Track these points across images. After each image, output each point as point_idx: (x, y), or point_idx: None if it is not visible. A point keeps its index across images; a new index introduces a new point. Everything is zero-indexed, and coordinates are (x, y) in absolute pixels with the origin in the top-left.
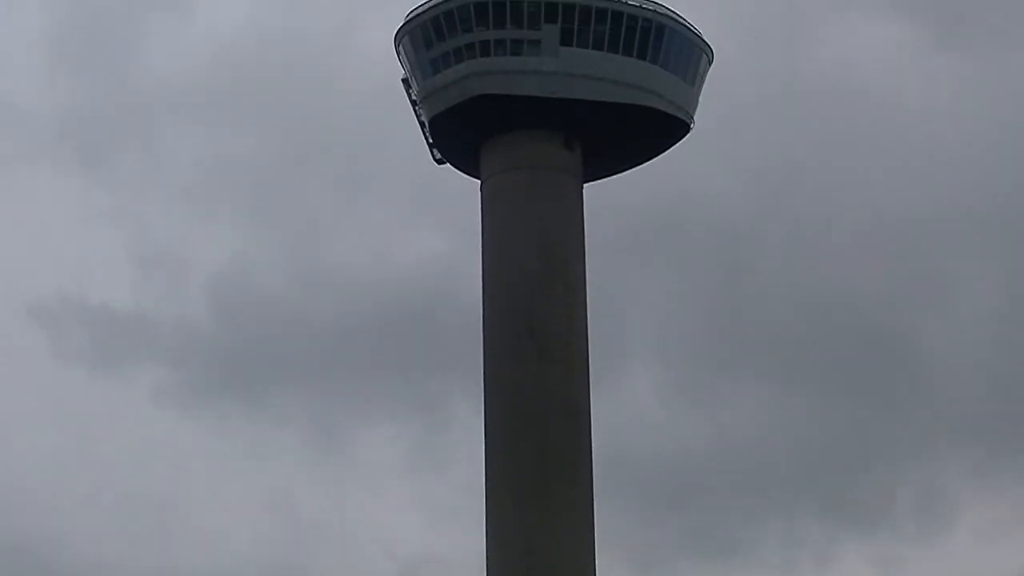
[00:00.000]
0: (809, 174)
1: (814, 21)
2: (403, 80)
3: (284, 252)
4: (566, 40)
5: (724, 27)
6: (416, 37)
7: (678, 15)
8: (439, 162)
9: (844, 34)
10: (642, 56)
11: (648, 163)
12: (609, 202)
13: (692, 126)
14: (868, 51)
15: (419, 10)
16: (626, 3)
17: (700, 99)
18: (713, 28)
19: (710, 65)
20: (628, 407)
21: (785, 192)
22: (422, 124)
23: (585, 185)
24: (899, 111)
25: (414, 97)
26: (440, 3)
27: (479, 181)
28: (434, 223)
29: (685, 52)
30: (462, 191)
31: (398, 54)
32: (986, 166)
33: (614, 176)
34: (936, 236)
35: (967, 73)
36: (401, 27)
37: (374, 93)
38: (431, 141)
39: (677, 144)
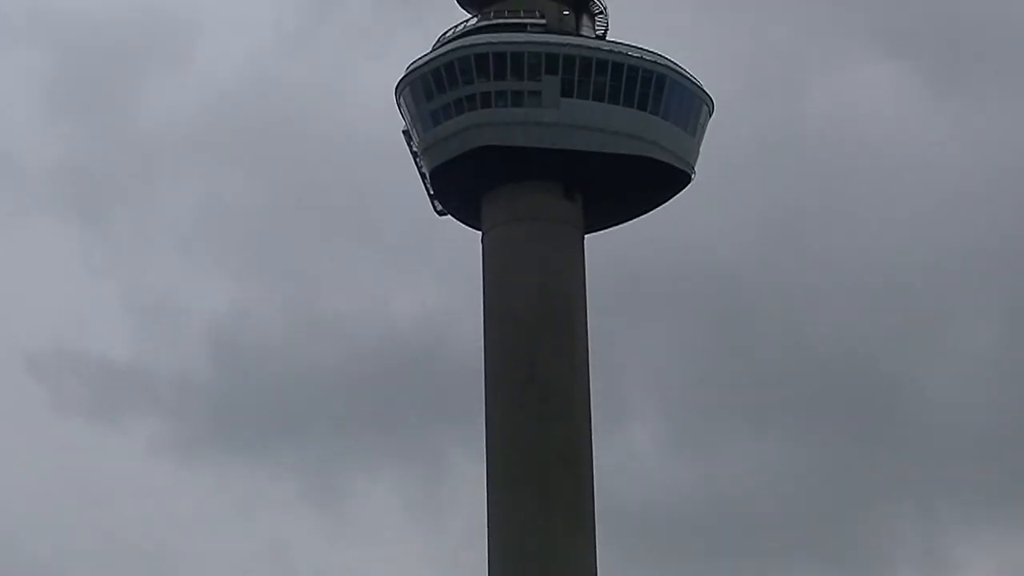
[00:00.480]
0: (808, 223)
1: (812, 68)
2: (404, 132)
3: (282, 302)
4: (567, 91)
5: (722, 75)
6: (417, 89)
7: (678, 66)
8: (440, 214)
9: (842, 80)
10: (642, 107)
11: (649, 213)
12: (609, 251)
13: (693, 176)
14: (866, 97)
15: (420, 62)
16: (626, 54)
17: (700, 149)
18: (711, 76)
19: (710, 115)
20: (630, 455)
21: (784, 241)
22: (423, 176)
23: (586, 236)
24: (897, 157)
25: (415, 149)
26: (441, 55)
27: (480, 232)
28: (434, 274)
29: (685, 103)
30: (463, 242)
31: (399, 106)
32: (983, 211)
33: (615, 227)
34: (934, 283)
35: (965, 118)
36: (402, 79)
37: (374, 143)
38: (432, 193)
39: (678, 195)
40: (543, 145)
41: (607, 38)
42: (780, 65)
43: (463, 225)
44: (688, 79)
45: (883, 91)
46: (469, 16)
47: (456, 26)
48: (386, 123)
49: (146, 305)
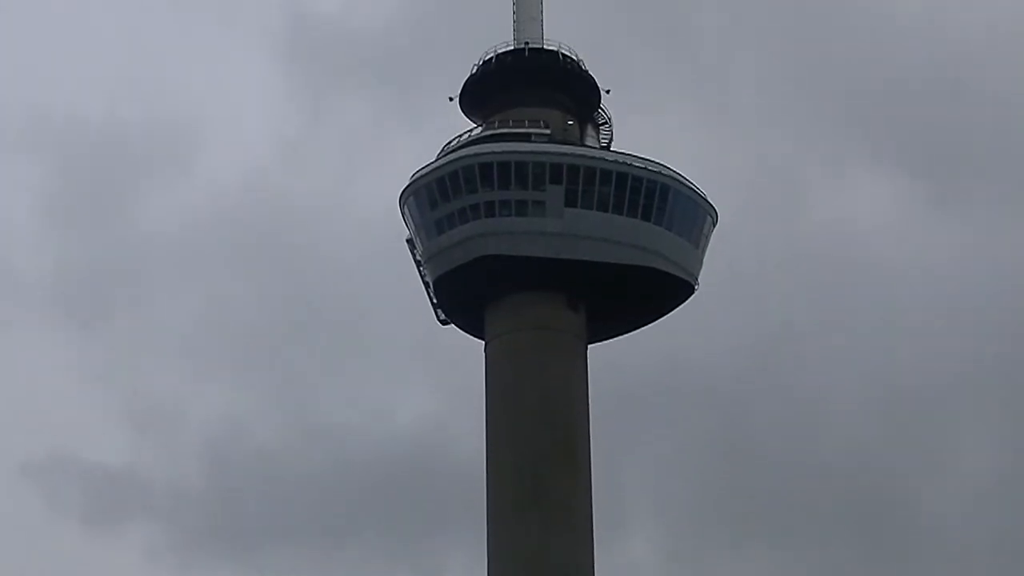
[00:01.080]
0: (808, 336)
1: (813, 180)
2: (407, 240)
3: (280, 409)
4: (571, 201)
5: (724, 185)
6: (421, 197)
7: (682, 176)
8: (443, 323)
9: (842, 192)
10: (646, 218)
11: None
12: (610, 360)
13: (697, 288)
14: (866, 209)
15: (424, 171)
16: (630, 164)
17: (704, 259)
18: (714, 186)
19: (714, 226)
20: (630, 568)
21: (784, 354)
22: (426, 284)
23: (589, 345)
24: (897, 269)
25: (419, 257)
26: (445, 164)
27: (483, 342)
28: (436, 383)
29: (689, 213)
30: (466, 351)
31: (403, 214)
32: (984, 324)
33: (619, 337)
34: (935, 395)
35: (966, 234)
36: (406, 187)
37: (375, 251)
38: (435, 301)
39: (684, 305)
40: (547, 255)
41: (611, 148)
42: (781, 177)
43: (466, 334)
44: (692, 189)
45: (884, 203)
46: (473, 125)
47: (460, 135)
48: (388, 231)
49: (143, 412)
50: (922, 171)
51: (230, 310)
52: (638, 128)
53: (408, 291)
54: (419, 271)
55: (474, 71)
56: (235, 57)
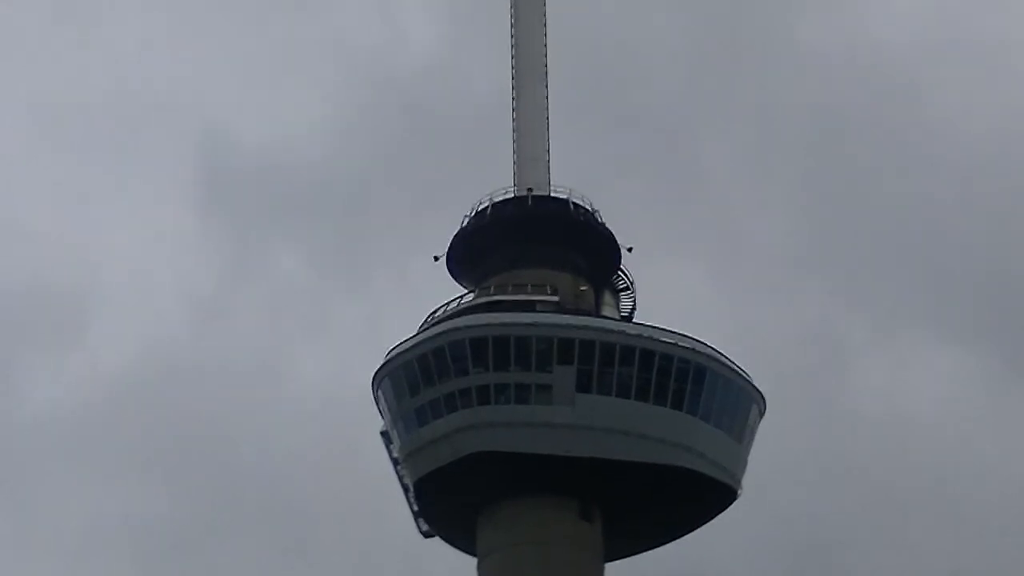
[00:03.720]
0: (857, 541)
1: (857, 346)
2: (382, 433)
3: None
4: (584, 385)
5: (754, 356)
6: (399, 380)
7: (721, 354)
8: (426, 535)
9: (891, 361)
10: (678, 406)
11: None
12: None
13: (739, 492)
14: (920, 382)
15: (403, 347)
16: (658, 340)
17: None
18: (743, 357)
19: (761, 416)
20: None
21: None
22: (405, 488)
23: (607, 564)
24: (952, 459)
25: (395, 455)
26: (428, 339)
27: (475, 559)
28: None
29: (731, 401)
30: (454, 571)
31: (376, 401)
32: None
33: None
34: None
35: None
36: (380, 368)
37: (319, 438)
38: (416, 509)
39: (721, 514)
40: (554, 452)
41: (634, 320)
42: (820, 342)
43: (454, 549)
44: (734, 371)
45: (940, 374)
46: (464, 291)
47: (447, 303)
48: (329, 414)
49: None
50: (986, 335)
51: (133, 510)
52: (664, 295)
53: (381, 496)
54: (396, 471)
55: (464, 224)
56: (138, 200)
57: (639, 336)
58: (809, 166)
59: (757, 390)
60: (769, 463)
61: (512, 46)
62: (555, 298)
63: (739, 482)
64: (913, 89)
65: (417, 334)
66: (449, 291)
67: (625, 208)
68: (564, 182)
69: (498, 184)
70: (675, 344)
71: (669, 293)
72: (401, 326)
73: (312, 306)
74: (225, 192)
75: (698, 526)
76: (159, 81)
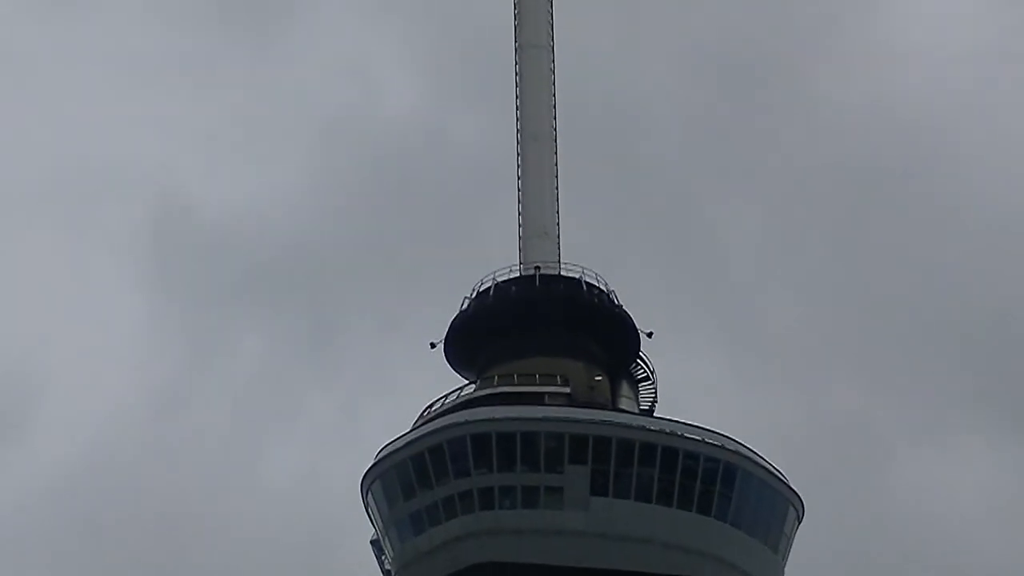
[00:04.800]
0: None
1: (895, 444)
2: (372, 542)
3: None
4: (599, 488)
5: (785, 453)
6: (391, 483)
7: (753, 451)
8: None
9: (933, 459)
10: (705, 511)
11: None
12: None
13: None
14: (966, 485)
15: (396, 445)
16: (682, 436)
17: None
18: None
19: (799, 522)
20: None
21: None
22: None
23: None
24: (997, 562)
25: (387, 566)
26: (424, 436)
27: None
28: None
29: (766, 505)
30: None
31: (366, 506)
32: None
33: None
34: None
35: None
36: (370, 469)
37: (290, 554)
38: None
39: None
40: (566, 563)
41: (655, 414)
42: (857, 442)
43: None
44: (769, 471)
45: (988, 477)
46: (465, 383)
47: (446, 395)
48: (309, 520)
49: None
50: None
51: None
52: (676, 375)
53: None
54: None
55: (464, 307)
56: (86, 277)
57: (661, 432)
58: (837, 238)
59: (794, 492)
60: (803, 571)
61: (517, 107)
62: (566, 390)
63: None
64: (952, 150)
65: (412, 430)
66: (435, 379)
67: (640, 287)
68: (573, 258)
69: (491, 260)
70: (701, 441)
71: (692, 383)
72: (380, 418)
73: (280, 395)
74: (183, 267)
75: None
76: (108, 145)
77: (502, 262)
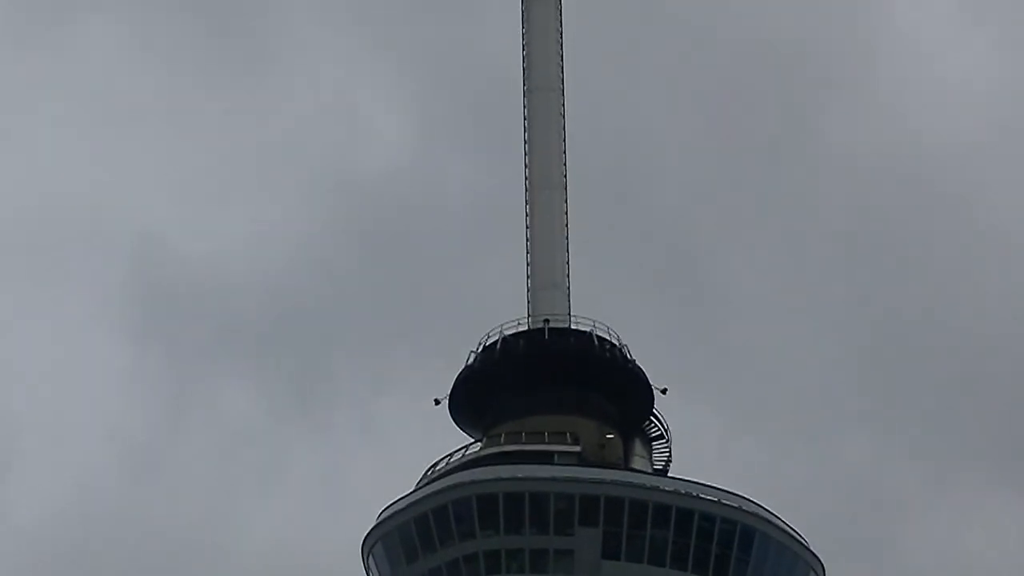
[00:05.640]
0: None
1: (914, 508)
2: None
3: None
4: (611, 551)
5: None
6: (393, 546)
7: (772, 513)
8: None
9: (952, 517)
10: (722, 575)
11: None
12: None
13: None
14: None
15: (398, 506)
16: (698, 497)
17: None
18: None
19: None
20: None
21: None
22: None
23: None
24: None
25: None
26: (428, 496)
27: None
28: None
29: (785, 569)
30: None
31: (367, 569)
32: None
33: None
34: None
35: None
36: (372, 531)
37: None
38: None
39: None
40: None
41: (669, 473)
42: (874, 501)
43: None
44: (788, 533)
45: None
46: (470, 440)
47: (451, 454)
48: None
49: None
50: None
51: None
52: (690, 433)
53: None
54: None
55: (471, 361)
56: (60, 327)
57: (675, 493)
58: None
59: (815, 556)
60: None
61: (525, 153)
62: (577, 448)
63: None
64: (965, 197)
65: (415, 490)
66: (431, 437)
67: (652, 340)
68: (583, 310)
69: (489, 312)
70: (717, 502)
71: (706, 440)
72: (369, 477)
73: (264, 452)
74: (163, 317)
75: None
76: (85, 186)
77: (503, 314)
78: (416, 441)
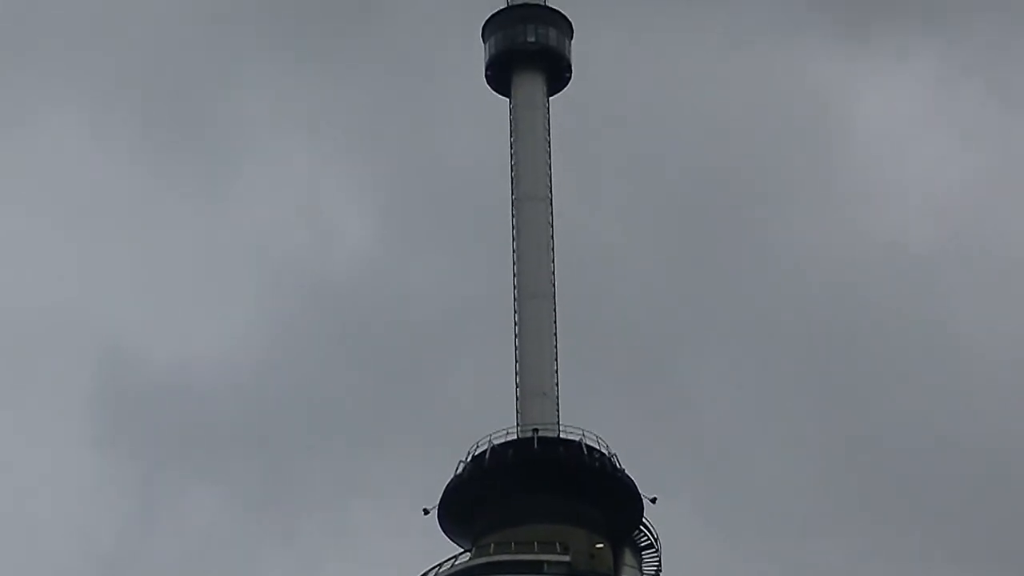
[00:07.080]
0: None
1: None
2: None
3: None
4: None
5: None
6: None
7: None
8: None
9: None
10: None
11: None
12: None
13: None
14: None
15: None
16: None
17: None
18: None
19: None
20: None
21: None
22: None
23: None
24: None
25: None
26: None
27: None
28: None
29: None
30: None
31: None
32: None
33: None
34: None
35: None
36: None
37: None
38: None
39: None
40: None
41: None
42: None
43: None
44: None
45: None
46: (460, 550)
47: (441, 564)
48: None
49: None
50: None
51: None
52: (679, 541)
53: None
54: None
55: (459, 471)
56: (23, 434)
57: None
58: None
59: None
60: None
61: (514, 260)
62: (566, 558)
63: None
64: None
65: None
66: (403, 544)
67: (640, 448)
68: (568, 419)
69: (457, 420)
70: None
71: (696, 549)
72: None
73: (234, 557)
74: (129, 421)
75: None
76: (47, 291)
77: (476, 420)
78: (388, 547)
